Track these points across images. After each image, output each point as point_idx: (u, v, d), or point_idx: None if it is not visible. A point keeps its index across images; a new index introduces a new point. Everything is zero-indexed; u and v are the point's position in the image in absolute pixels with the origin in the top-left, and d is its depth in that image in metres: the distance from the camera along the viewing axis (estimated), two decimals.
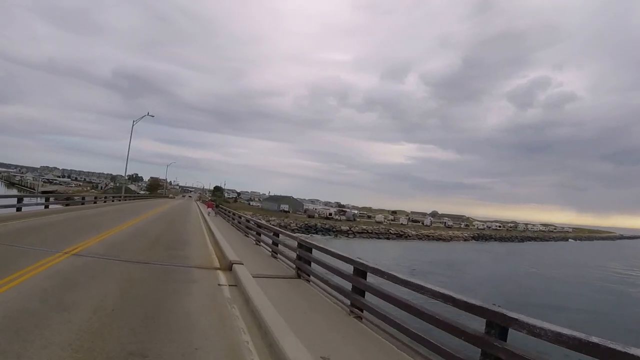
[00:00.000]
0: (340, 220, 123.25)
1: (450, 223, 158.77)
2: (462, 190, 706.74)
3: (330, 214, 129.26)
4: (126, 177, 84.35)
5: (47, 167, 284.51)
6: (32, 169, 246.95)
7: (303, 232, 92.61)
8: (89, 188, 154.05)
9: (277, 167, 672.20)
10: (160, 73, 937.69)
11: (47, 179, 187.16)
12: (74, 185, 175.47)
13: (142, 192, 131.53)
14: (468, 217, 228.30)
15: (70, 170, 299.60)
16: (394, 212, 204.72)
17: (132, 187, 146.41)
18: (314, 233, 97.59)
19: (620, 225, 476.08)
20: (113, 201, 49.77)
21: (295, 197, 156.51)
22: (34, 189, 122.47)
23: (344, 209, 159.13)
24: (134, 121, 56.86)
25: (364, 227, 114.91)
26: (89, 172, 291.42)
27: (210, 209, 45.52)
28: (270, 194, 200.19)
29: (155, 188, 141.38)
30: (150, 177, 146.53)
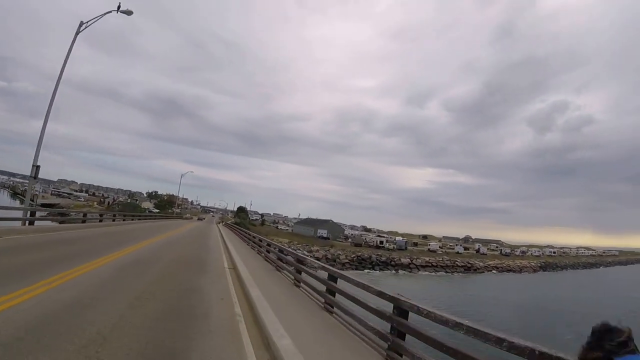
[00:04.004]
0: (393, 249, 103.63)
1: (507, 251, 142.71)
2: (483, 213, 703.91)
3: (382, 243, 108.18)
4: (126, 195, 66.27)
5: (65, 180, 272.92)
6: (50, 182, 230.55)
7: (356, 268, 76.00)
8: (95, 203, 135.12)
9: (301, 190, 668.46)
10: (191, 97, 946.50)
11: (58, 192, 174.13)
12: (82, 199, 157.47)
13: (156, 210, 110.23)
14: (502, 242, 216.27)
15: (89, 184, 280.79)
16: (424, 237, 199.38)
17: (147, 204, 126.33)
18: (369, 268, 78.91)
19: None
20: (114, 220, 40.73)
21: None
22: (33, 200, 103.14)
23: (390, 237, 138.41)
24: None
25: (426, 258, 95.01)
26: (107, 187, 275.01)
27: None
28: (301, 217, 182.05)
29: (167, 206, 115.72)
30: (167, 194, 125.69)
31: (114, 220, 41.08)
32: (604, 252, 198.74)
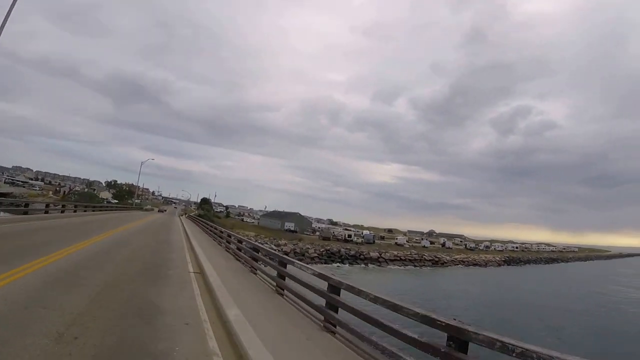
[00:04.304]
0: (361, 243, 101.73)
1: (472, 245, 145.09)
2: (445, 209, 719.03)
3: (350, 236, 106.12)
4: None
5: (20, 167, 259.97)
6: (4, 169, 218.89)
7: (325, 262, 74.24)
8: (50, 193, 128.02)
9: (267, 182, 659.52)
10: (156, 80, 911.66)
11: (12, 180, 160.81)
12: (38, 188, 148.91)
13: (114, 201, 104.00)
14: (465, 237, 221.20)
15: (45, 172, 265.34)
16: (389, 231, 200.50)
17: (106, 194, 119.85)
18: (339, 262, 76.67)
19: (595, 243, 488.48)
20: (63, 212, 36.36)
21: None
22: None
23: (353, 230, 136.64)
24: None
25: (395, 252, 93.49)
26: (64, 175, 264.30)
27: None
28: (268, 209, 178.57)
29: (126, 196, 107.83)
30: (127, 184, 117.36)
31: (75, 212, 38.93)
32: (564, 249, 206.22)
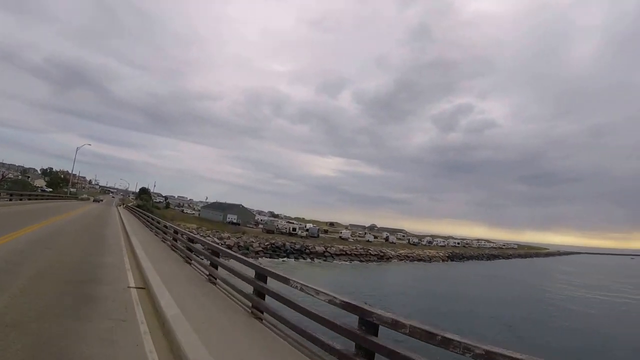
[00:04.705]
0: (306, 237, 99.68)
1: (416, 240, 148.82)
2: (385, 204, 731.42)
3: (295, 230, 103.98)
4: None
5: None
6: None
7: (270, 256, 72.44)
8: None
9: (207, 173, 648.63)
10: (96, 66, 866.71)
11: None
12: None
13: (49, 189, 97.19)
14: (406, 231, 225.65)
15: None
16: (331, 224, 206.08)
17: (41, 182, 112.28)
18: (284, 256, 74.74)
19: (531, 240, 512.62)
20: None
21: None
22: None
23: (297, 223, 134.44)
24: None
25: (340, 246, 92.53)
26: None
27: None
28: (209, 200, 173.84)
29: (61, 184, 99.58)
30: (62, 171, 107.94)
31: (10, 200, 38.47)
32: (504, 245, 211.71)
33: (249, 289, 8.30)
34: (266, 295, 7.66)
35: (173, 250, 16.17)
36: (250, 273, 8.37)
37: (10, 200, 38.47)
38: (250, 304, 8.11)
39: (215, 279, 10.55)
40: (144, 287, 9.45)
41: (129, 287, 9.29)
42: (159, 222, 23.52)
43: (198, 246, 13.42)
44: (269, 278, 7.70)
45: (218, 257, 10.81)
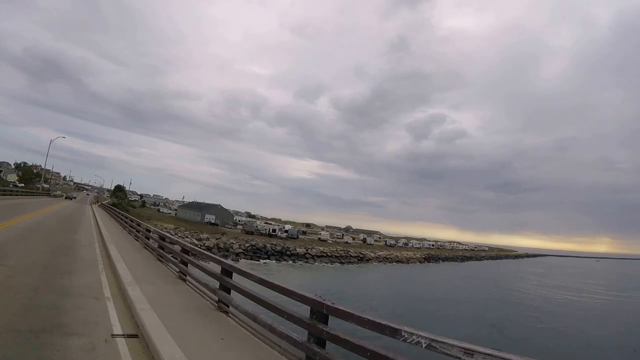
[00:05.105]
0: (286, 238, 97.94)
1: (392, 242, 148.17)
2: (359, 206, 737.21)
3: (274, 231, 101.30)
4: None
5: None
6: None
7: (251, 258, 70.39)
8: None
9: (182, 172, 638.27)
10: (74, 59, 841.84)
11: None
12: None
13: (21, 184, 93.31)
14: (381, 233, 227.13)
15: None
16: (307, 225, 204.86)
17: (13, 177, 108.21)
18: (265, 258, 72.72)
19: (498, 243, 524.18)
20: None
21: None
22: None
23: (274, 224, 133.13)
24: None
25: (321, 248, 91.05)
26: None
27: None
28: (185, 200, 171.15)
29: (34, 179, 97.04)
30: (35, 165, 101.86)
31: None
32: (475, 248, 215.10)
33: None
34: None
35: (159, 261, 14.02)
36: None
37: None
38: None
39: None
40: (137, 334, 6.54)
41: (112, 336, 6.23)
42: (139, 225, 21.18)
43: (210, 265, 10.95)
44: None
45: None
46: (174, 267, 12.27)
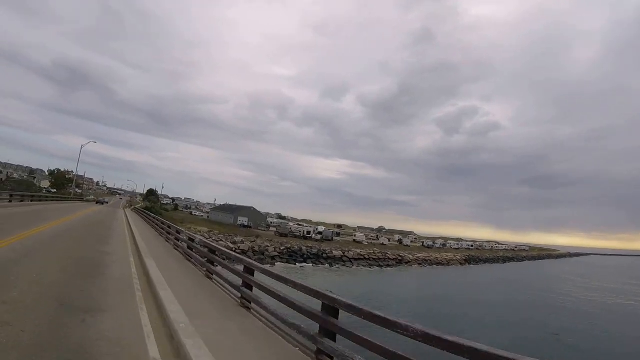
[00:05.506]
0: (321, 240, 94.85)
1: (430, 243, 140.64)
2: (388, 206, 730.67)
3: (309, 233, 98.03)
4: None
5: None
6: None
7: (287, 261, 67.72)
8: None
9: (211, 175, 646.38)
10: (100, 68, 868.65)
11: None
12: None
13: (54, 190, 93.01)
14: (416, 234, 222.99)
15: None
16: (339, 226, 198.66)
17: (47, 183, 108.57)
18: (301, 261, 69.83)
19: (537, 242, 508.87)
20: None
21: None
22: None
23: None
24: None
25: (358, 250, 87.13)
26: (6, 163, 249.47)
27: None
28: (217, 203, 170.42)
29: (65, 184, 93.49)
30: (66, 170, 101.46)
31: (10, 202, 35.90)
32: (516, 247, 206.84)
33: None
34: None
35: (209, 278, 11.40)
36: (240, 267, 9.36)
37: (10, 201, 35.76)
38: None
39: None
40: None
41: None
42: (179, 232, 18.38)
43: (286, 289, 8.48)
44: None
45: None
46: (232, 292, 9.82)
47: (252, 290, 8.50)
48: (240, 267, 9.39)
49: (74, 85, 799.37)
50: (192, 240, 15.31)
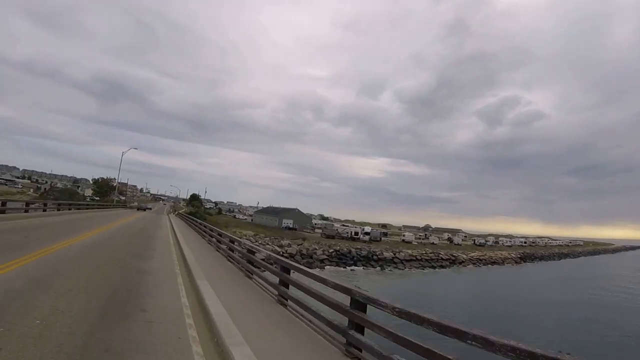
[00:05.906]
0: (370, 242, 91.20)
1: (482, 241, 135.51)
2: (430, 203, 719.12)
3: (357, 234, 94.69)
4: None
5: (6, 165, 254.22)
6: None
7: (337, 264, 64.85)
8: (31, 190, 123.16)
9: (251, 178, 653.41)
10: (138, 79, 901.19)
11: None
12: (20, 186, 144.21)
13: (97, 197, 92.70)
14: (464, 231, 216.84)
15: (32, 171, 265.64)
16: (383, 226, 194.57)
17: (90, 192, 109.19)
18: (351, 264, 66.63)
19: (588, 235, 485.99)
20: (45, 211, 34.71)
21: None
22: None
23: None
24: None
25: (409, 251, 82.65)
26: (51, 174, 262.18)
27: None
28: (260, 205, 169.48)
29: (108, 192, 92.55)
30: (108, 178, 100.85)
31: (58, 210, 37.48)
32: (570, 243, 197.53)
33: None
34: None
35: (281, 304, 8.74)
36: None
37: (44, 210, 35.35)
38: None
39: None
40: None
41: None
42: (232, 242, 15.66)
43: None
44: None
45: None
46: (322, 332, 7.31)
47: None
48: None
49: (113, 97, 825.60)
50: (253, 253, 12.62)
